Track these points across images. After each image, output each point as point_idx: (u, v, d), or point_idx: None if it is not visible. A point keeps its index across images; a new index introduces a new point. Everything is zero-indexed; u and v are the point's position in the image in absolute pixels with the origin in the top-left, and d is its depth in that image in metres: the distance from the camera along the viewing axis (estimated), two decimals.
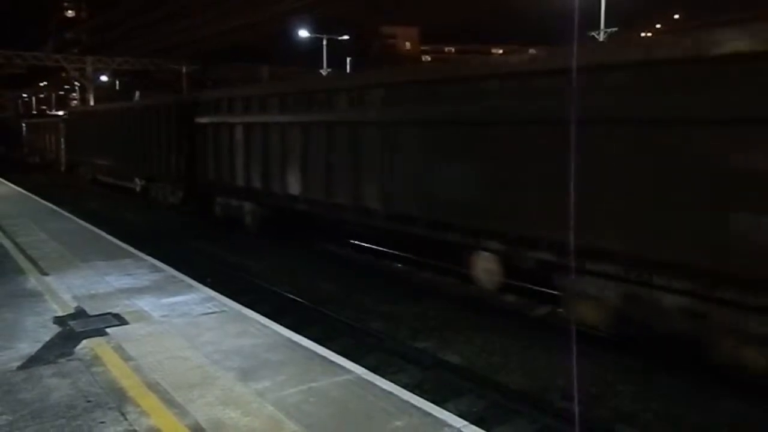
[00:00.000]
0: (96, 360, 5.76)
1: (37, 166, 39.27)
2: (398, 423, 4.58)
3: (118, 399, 4.95)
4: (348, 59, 46.54)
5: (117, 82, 66.05)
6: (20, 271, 9.26)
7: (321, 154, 12.16)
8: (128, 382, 5.28)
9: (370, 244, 13.62)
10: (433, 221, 9.81)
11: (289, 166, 13.17)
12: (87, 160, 28.67)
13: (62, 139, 33.77)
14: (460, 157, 9.32)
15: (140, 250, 11.01)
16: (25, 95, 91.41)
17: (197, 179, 17.26)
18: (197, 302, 7.68)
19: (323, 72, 45.47)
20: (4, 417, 4.66)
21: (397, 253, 12.73)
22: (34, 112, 73.03)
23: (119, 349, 6.03)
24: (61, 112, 49.92)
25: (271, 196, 13.96)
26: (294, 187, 13.06)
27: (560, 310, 8.72)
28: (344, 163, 11.57)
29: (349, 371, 5.54)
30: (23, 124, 46.48)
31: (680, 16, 63.90)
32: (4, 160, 42.91)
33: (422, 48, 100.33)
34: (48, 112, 69.47)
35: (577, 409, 5.77)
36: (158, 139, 19.49)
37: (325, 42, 45.69)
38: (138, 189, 22.30)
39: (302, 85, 14.65)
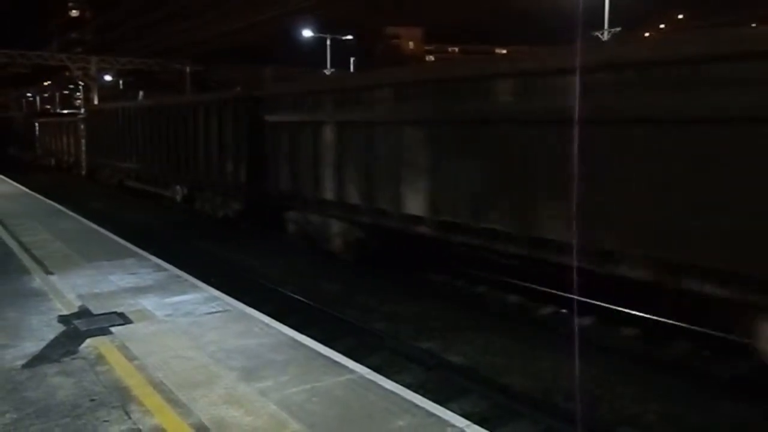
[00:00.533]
0: (100, 359, 5.79)
1: (51, 168, 37.45)
2: (401, 422, 4.60)
3: (122, 398, 4.97)
4: (352, 59, 46.59)
5: (121, 82, 66.20)
6: (25, 270, 9.30)
7: (467, 164, 9.06)
8: (132, 381, 5.30)
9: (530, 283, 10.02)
10: (674, 264, 6.76)
11: (409, 178, 10.06)
12: (112, 164, 25.56)
13: (83, 140, 31.08)
14: None
15: (145, 249, 11.04)
16: (29, 94, 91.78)
17: (262, 189, 14.29)
18: (201, 302, 7.70)
19: (327, 72, 45.57)
20: (8, 415, 4.69)
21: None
22: (37, 111, 73.12)
23: (123, 348, 6.05)
24: (66, 111, 49.75)
25: (377, 214, 10.88)
26: (415, 204, 9.98)
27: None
28: (503, 177, 8.52)
29: (352, 371, 5.56)
30: (36, 124, 43.79)
31: (684, 16, 63.91)
32: (15, 162, 41.57)
33: (426, 48, 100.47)
34: (52, 110, 69.61)
35: (579, 410, 5.79)
36: (208, 141, 16.58)
37: (329, 42, 45.75)
38: (178, 198, 19.13)
39: (435, 72, 10.76)
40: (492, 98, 8.71)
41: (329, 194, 12.07)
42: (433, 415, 4.73)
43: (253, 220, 15.34)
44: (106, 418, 4.63)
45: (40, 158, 41.41)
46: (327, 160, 12.05)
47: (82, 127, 31.25)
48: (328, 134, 11.95)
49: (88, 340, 6.26)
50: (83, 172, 31.33)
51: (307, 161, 12.64)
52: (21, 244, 11.31)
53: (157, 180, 20.88)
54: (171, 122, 19.02)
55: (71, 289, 8.25)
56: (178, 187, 19.21)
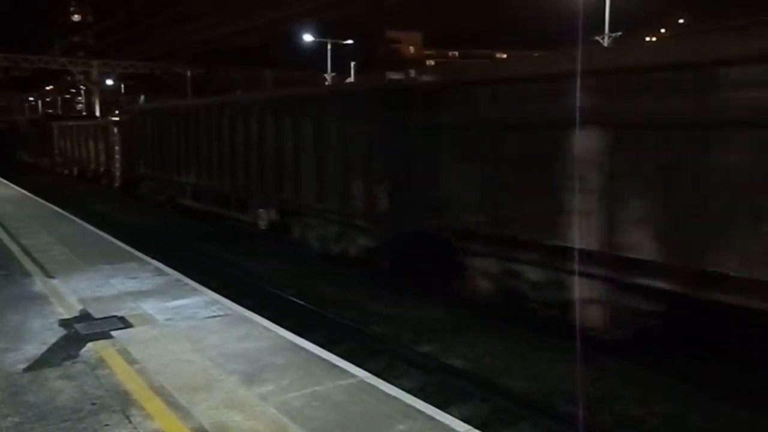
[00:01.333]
0: (101, 363, 5.80)
1: (73, 178, 33.48)
2: (401, 427, 4.60)
3: (122, 402, 4.98)
4: (352, 63, 46.73)
5: (122, 86, 66.40)
6: (26, 274, 9.31)
7: None
8: (133, 385, 5.31)
9: None
10: None
11: None
12: (159, 177, 20.61)
13: (116, 147, 26.36)
14: None
15: (146, 254, 11.05)
16: (31, 98, 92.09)
17: (418, 221, 10.03)
18: (202, 306, 7.70)
19: (328, 77, 45.73)
20: (10, 419, 4.69)
21: None
22: (41, 115, 73.17)
23: (124, 352, 6.06)
24: (74, 115, 49.28)
25: (698, 280, 6.46)
26: None
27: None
28: None
29: (352, 375, 5.56)
30: (54, 128, 38.09)
31: (685, 20, 64.05)
32: (31, 171, 38.40)
33: (426, 52, 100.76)
34: (54, 114, 69.70)
35: (581, 414, 5.79)
36: (319, 150, 12.18)
37: (329, 46, 45.90)
38: (263, 225, 14.74)
39: None
40: None
41: (579, 239, 7.61)
42: (433, 419, 4.73)
43: (394, 261, 11.02)
44: (107, 422, 4.64)
45: (59, 166, 36.64)
46: (579, 185, 7.63)
47: (116, 131, 26.42)
48: (585, 142, 7.46)
49: (89, 344, 6.27)
50: (117, 184, 26.54)
51: (523, 184, 8.33)
52: (22, 247, 11.31)
53: (228, 199, 16.37)
54: (254, 125, 14.54)
55: (72, 292, 8.25)
56: (262, 211, 14.67)
